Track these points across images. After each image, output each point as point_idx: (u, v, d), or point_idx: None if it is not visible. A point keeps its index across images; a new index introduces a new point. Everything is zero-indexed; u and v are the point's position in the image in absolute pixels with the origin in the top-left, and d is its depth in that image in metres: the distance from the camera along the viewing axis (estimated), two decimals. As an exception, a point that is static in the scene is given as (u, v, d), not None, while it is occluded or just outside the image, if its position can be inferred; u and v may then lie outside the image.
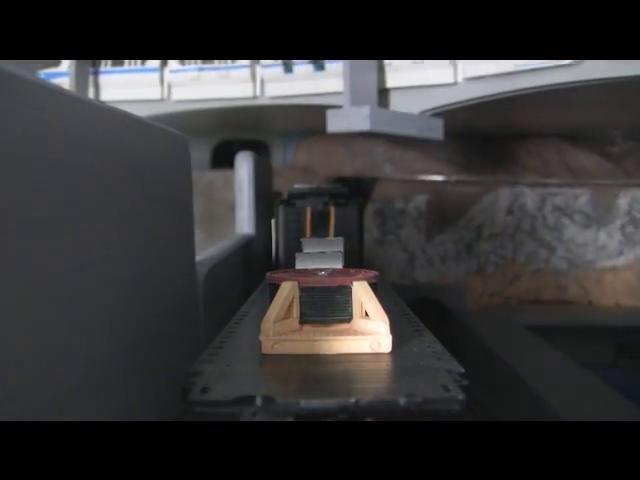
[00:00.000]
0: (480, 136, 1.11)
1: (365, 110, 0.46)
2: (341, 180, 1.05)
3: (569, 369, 0.61)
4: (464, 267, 0.91)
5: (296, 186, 0.44)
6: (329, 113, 0.47)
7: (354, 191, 1.01)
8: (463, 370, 0.17)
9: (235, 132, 1.17)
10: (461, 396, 0.15)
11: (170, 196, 0.25)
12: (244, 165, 0.46)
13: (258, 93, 0.62)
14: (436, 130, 0.51)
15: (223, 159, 1.02)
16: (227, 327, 0.23)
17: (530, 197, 0.95)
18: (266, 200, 0.56)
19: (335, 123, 0.46)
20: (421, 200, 0.95)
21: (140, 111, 0.52)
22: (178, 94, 0.66)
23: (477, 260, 0.92)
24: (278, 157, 1.18)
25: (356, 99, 0.49)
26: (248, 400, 0.15)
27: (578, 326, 0.87)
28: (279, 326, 0.20)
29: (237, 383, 0.17)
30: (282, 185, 1.06)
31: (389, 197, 0.96)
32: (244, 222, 0.47)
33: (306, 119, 0.85)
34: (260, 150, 1.25)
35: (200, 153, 1.12)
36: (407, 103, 0.50)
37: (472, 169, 1.06)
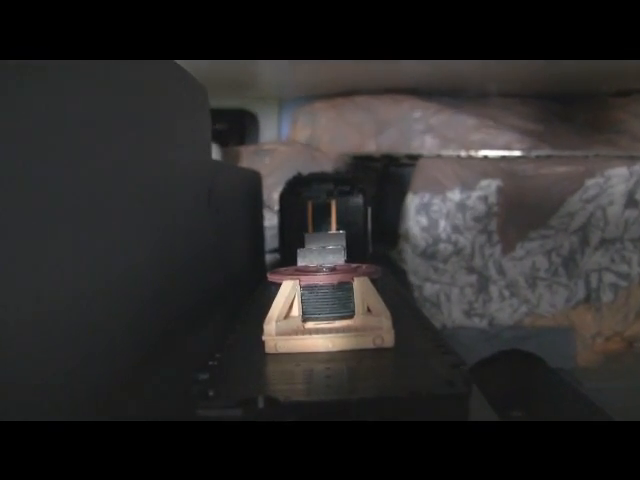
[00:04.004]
0: (559, 95, 0.77)
1: None
2: (361, 161, 0.71)
3: None
4: (565, 294, 0.57)
5: (299, 173, 0.40)
6: None
7: (382, 178, 0.69)
8: (467, 364, 0.17)
9: (212, 97, 0.83)
10: (465, 392, 0.15)
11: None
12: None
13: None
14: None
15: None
16: (229, 328, 0.23)
17: (662, 179, 0.60)
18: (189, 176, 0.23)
19: None
20: (489, 187, 0.61)
21: None
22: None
23: (585, 282, 0.57)
24: (270, 131, 0.85)
25: None
26: (251, 402, 0.15)
27: None
28: (281, 325, 0.20)
29: (241, 385, 0.17)
30: (272, 169, 0.71)
31: (437, 184, 0.62)
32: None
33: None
34: (246, 123, 0.91)
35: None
36: None
37: (556, 140, 0.72)
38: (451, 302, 0.55)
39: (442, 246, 0.58)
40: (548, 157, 0.65)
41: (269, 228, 0.71)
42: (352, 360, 0.19)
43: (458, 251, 0.58)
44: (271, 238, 0.70)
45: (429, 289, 0.55)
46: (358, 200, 0.38)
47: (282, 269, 0.23)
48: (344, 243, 0.24)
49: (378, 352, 0.19)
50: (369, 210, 0.39)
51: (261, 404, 0.15)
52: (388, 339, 0.20)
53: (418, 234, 0.58)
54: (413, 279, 0.56)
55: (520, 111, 0.77)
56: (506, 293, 0.55)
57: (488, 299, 0.55)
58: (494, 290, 0.55)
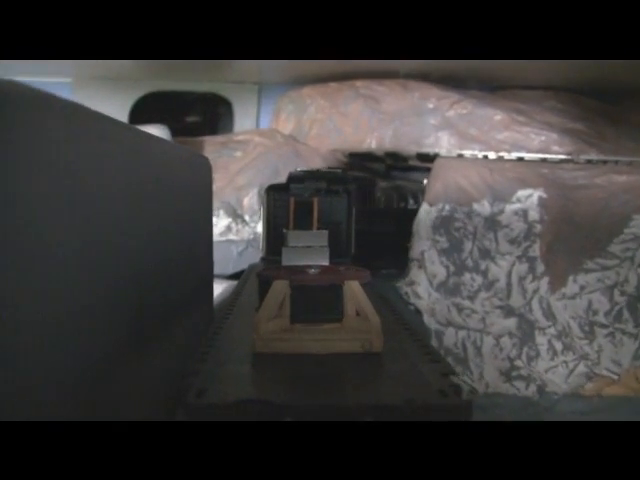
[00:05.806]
0: (600, 90, 0.63)
1: None
2: (359, 159, 0.56)
3: None
4: (632, 347, 0.42)
5: (299, 169, 0.39)
6: None
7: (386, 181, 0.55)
8: (458, 374, 0.17)
9: (177, 79, 0.68)
10: (458, 402, 0.15)
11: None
12: None
13: None
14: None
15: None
16: (215, 321, 0.23)
17: None
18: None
19: None
20: (529, 199, 0.46)
21: None
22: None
23: (659, 331, 0.43)
24: (247, 123, 0.70)
25: None
26: (244, 404, 0.15)
27: None
28: (271, 325, 0.20)
29: (233, 385, 0.17)
30: (243, 166, 0.56)
31: (461, 192, 0.47)
32: None
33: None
34: (219, 110, 0.76)
35: (115, 108, 0.65)
36: None
37: (604, 144, 0.57)
38: (483, 357, 0.39)
39: (468, 276, 0.43)
40: (604, 163, 0.51)
41: (238, 242, 0.56)
42: (342, 364, 0.18)
43: (490, 284, 0.42)
44: (239, 256, 0.54)
45: (451, 337, 0.40)
46: (342, 200, 0.38)
47: (272, 267, 0.22)
48: (327, 242, 0.24)
49: (367, 357, 0.19)
50: (353, 211, 0.38)
51: (255, 406, 0.15)
52: (377, 344, 0.19)
53: (436, 259, 0.43)
54: (429, 321, 0.41)
55: (555, 107, 0.62)
56: (558, 345, 0.40)
57: (534, 354, 0.39)
58: (542, 341, 0.40)
